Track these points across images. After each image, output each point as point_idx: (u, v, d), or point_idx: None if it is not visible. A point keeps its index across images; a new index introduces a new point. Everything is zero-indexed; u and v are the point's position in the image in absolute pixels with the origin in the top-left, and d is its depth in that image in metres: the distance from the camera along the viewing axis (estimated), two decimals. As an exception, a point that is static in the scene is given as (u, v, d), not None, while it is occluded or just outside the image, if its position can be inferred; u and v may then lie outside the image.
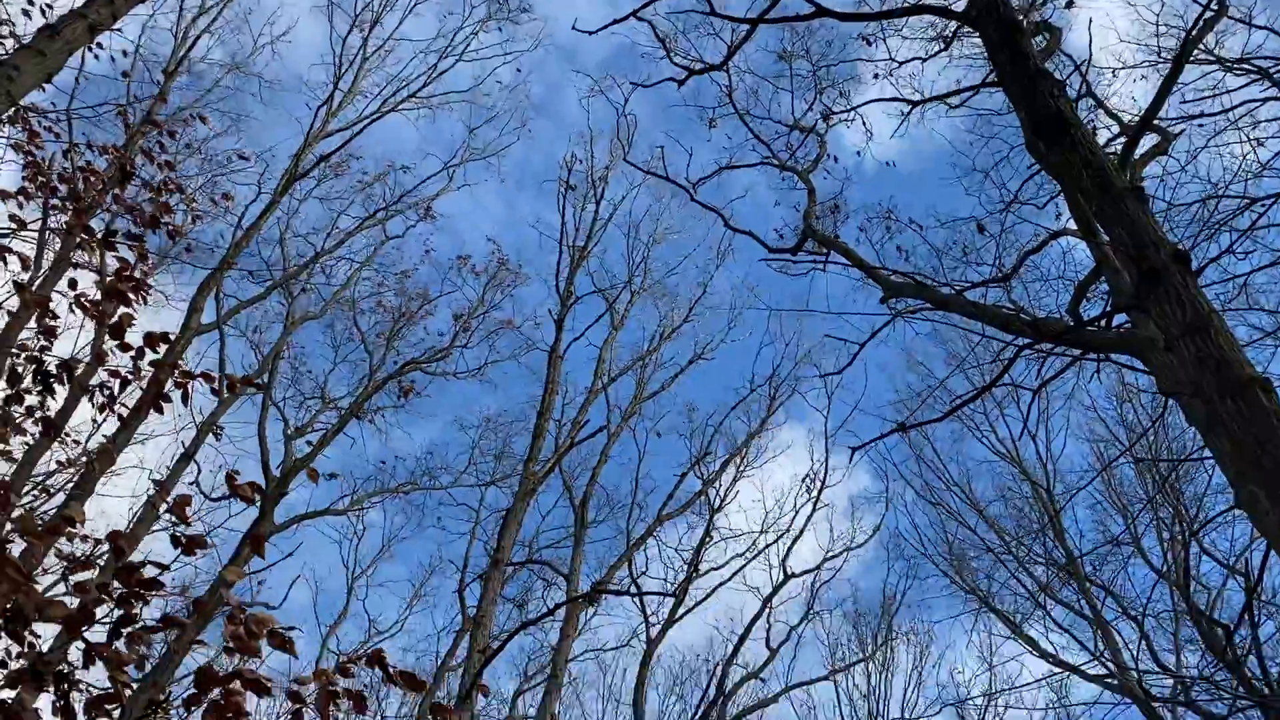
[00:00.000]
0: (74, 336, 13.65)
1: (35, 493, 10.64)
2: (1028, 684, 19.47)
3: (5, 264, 5.15)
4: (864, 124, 11.89)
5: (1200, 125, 9.82)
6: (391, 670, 3.41)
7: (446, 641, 18.73)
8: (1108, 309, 7.12)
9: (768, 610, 17.41)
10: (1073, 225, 8.79)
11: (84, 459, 9.95)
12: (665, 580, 17.70)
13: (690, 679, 24.89)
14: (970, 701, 18.16)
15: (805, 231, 9.60)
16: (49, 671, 3.70)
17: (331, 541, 30.66)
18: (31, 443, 9.25)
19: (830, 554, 18.87)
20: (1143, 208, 6.63)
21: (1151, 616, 14.69)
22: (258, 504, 12.29)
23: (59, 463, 10.20)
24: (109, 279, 5.03)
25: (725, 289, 30.12)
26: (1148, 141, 9.39)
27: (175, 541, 3.45)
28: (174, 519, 3.51)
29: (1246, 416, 5.20)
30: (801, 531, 18.26)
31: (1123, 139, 9.36)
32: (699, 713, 15.90)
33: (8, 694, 4.26)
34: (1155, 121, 8.39)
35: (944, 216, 11.79)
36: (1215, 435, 5.55)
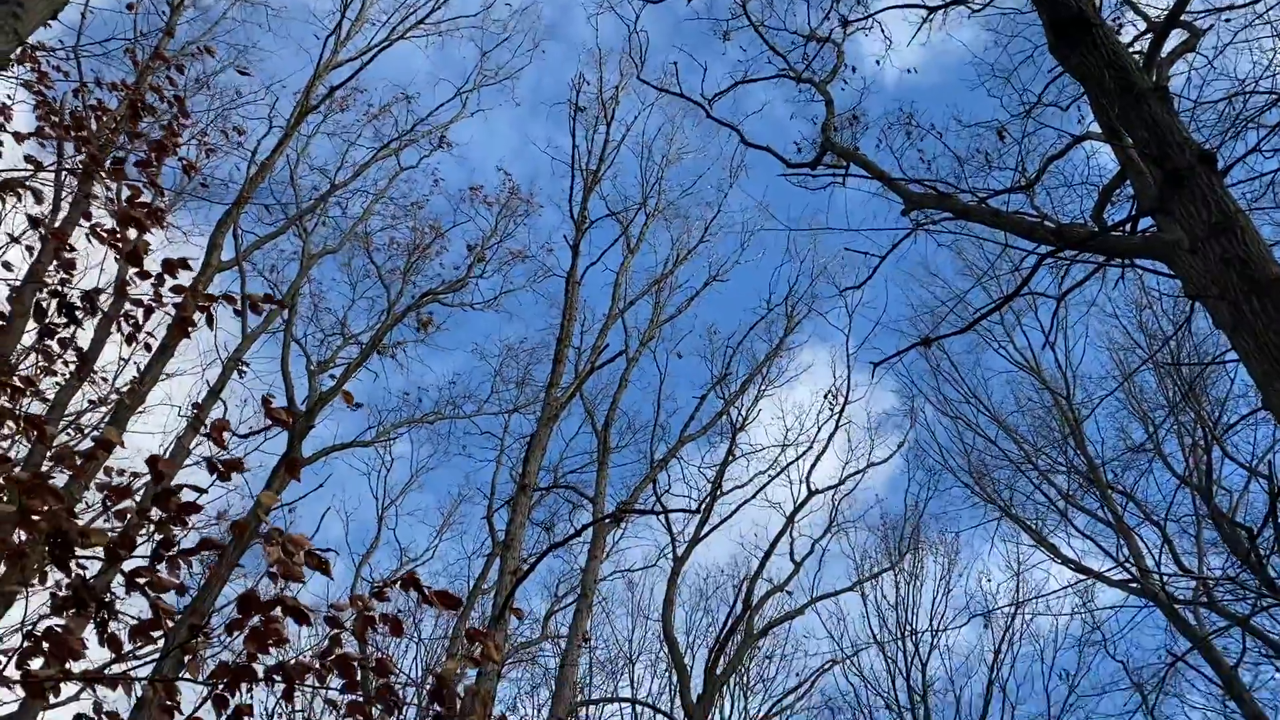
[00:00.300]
0: (95, 276, 13.75)
1: (69, 432, 10.83)
2: (1054, 591, 19.76)
3: (20, 199, 5.17)
4: (883, 31, 11.61)
5: (1228, 20, 9.52)
6: (426, 591, 3.49)
7: (477, 565, 19.15)
8: (1132, 213, 7.01)
9: (792, 526, 17.63)
10: (1096, 129, 8.61)
11: (114, 397, 10.10)
12: (689, 499, 17.93)
13: (716, 594, 25.38)
14: (997, 611, 18.47)
15: (824, 144, 9.44)
16: (93, 598, 3.80)
17: (360, 474, 31.18)
18: (63, 383, 9.41)
19: (854, 470, 19.01)
20: (1166, 108, 6.49)
21: (1174, 521, 14.80)
22: (289, 432, 12.47)
23: (90, 401, 10.37)
24: (122, 206, 5.05)
25: (740, 209, 29.89)
26: (1175, 38, 9.13)
27: (212, 467, 3.51)
28: (211, 443, 3.57)
29: (1273, 315, 5.15)
30: (825, 448, 18.38)
31: (1150, 36, 9.10)
32: (727, 626, 16.23)
33: (55, 623, 4.39)
34: (1183, 17, 8.14)
35: (966, 120, 11.56)
36: (1241, 336, 5.52)
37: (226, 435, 4.09)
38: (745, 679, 20.56)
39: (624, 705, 21.09)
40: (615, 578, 21.10)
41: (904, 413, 20.10)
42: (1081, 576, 15.75)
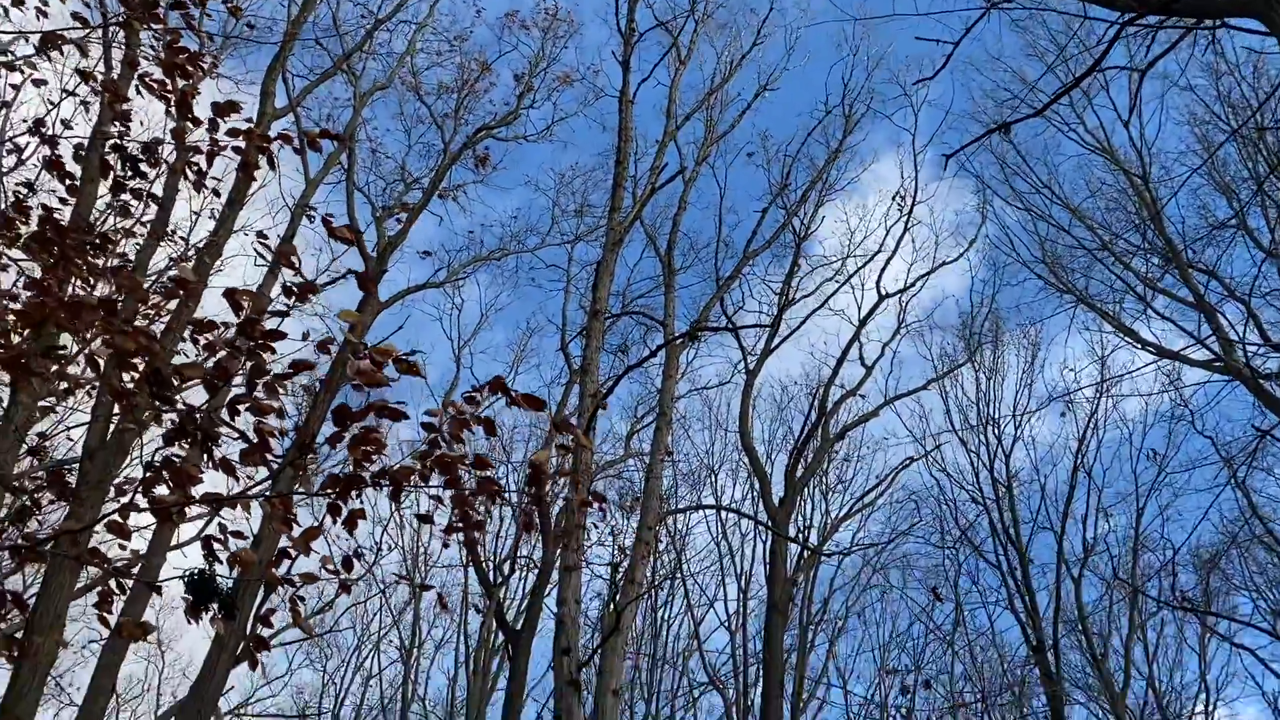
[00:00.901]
0: (154, 131, 13.85)
1: (155, 292, 11.22)
2: (1137, 368, 19.54)
3: (63, 54, 5.21)
4: None
5: None
6: (513, 394, 3.61)
7: (556, 393, 19.71)
8: (1222, -35, 6.49)
9: (862, 331, 17.65)
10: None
11: (192, 253, 10.39)
12: (759, 314, 17.96)
13: (791, 405, 25.86)
14: (1080, 394, 18.44)
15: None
16: (198, 428, 4.04)
17: (433, 319, 32.14)
18: (141, 243, 9.70)
19: (924, 272, 18.76)
20: None
21: (1259, 296, 14.41)
22: (364, 277, 12.73)
23: (170, 259, 10.68)
24: (165, 54, 5.06)
25: (787, 8, 28.27)
26: None
27: (288, 291, 3.64)
28: (283, 268, 3.69)
29: (1367, 55, 4.84)
30: (894, 251, 18.12)
31: None
32: (803, 433, 16.58)
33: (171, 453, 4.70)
34: None
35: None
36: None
37: (306, 288, 4.21)
38: (824, 483, 21.17)
39: (709, 512, 21.99)
40: (692, 396, 21.59)
41: (974, 207, 19.61)
42: (1164, 359, 15.61)
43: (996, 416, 19.31)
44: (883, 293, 17.92)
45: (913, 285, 18.46)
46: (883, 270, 18.26)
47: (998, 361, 20.08)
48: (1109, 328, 17.25)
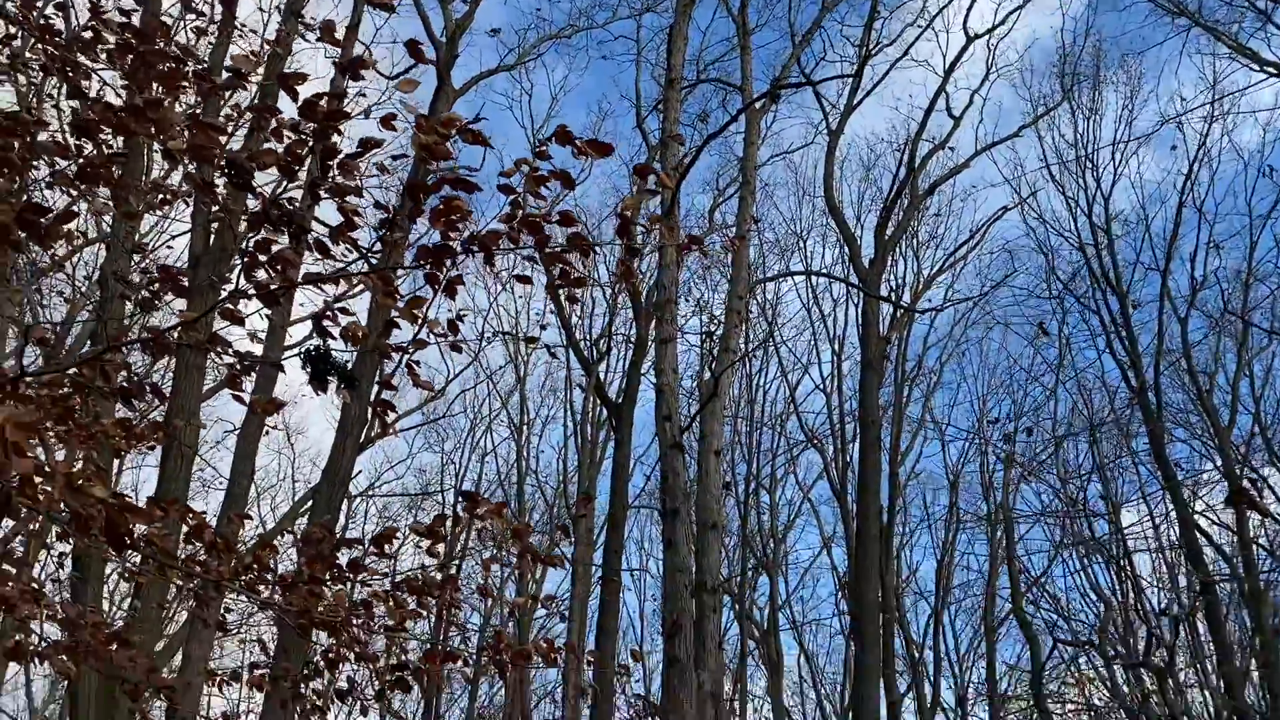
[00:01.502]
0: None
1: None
2: (1252, 85, 17.93)
3: None
4: None
5: None
6: (578, 142, 3.60)
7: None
8: None
9: (950, 80, 16.75)
10: None
11: (263, 52, 10.37)
12: (839, 64, 17.14)
13: (878, 165, 25.14)
14: (1189, 123, 17.29)
15: None
16: (280, 211, 4.19)
17: (503, 108, 31.96)
18: (213, 43, 9.75)
19: (1015, 6, 17.46)
20: None
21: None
22: (436, 67, 12.60)
23: (244, 55, 10.67)
24: None
25: None
26: None
27: (340, 67, 3.64)
28: (324, 43, 3.70)
29: None
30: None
31: None
32: (892, 192, 16.16)
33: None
34: None
35: None
36: None
37: (374, 85, 4.20)
38: (915, 240, 20.81)
39: (799, 279, 22.01)
40: (775, 162, 21.11)
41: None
42: (1280, 78, 14.47)
43: (1095, 158, 18.34)
44: (970, 34, 16.88)
45: (1002, 24, 17.31)
46: (969, 9, 17.12)
47: (1097, 99, 18.91)
48: (1224, 50, 15.99)
